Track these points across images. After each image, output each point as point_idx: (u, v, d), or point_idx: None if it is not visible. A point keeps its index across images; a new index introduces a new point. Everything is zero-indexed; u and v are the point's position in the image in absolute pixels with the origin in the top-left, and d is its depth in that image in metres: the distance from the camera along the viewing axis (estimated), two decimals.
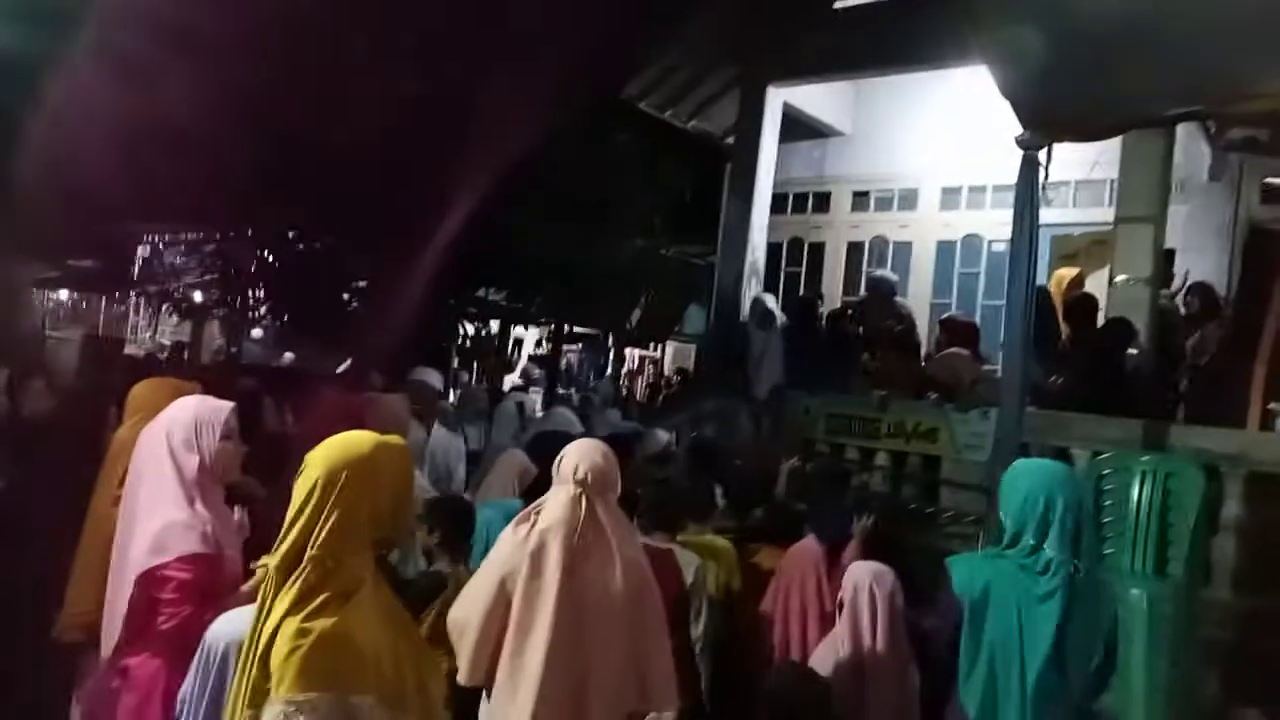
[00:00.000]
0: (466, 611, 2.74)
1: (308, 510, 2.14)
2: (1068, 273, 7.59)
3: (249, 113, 8.60)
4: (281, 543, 2.14)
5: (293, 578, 2.11)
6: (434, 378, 6.54)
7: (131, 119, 7.51)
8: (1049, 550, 2.88)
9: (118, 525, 2.84)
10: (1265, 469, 4.99)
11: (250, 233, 11.29)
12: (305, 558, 2.11)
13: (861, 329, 8.17)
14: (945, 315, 8.27)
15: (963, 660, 2.96)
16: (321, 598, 2.09)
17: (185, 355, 14.60)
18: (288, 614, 2.06)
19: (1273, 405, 5.06)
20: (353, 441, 2.24)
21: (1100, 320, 6.52)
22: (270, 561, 2.15)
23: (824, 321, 8.39)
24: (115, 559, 2.78)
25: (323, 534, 2.12)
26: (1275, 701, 4.59)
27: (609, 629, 2.68)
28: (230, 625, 2.38)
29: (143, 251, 14.76)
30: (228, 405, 2.94)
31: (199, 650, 2.39)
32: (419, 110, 8.90)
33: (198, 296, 13.40)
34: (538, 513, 2.79)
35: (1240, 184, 7.92)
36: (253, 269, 11.71)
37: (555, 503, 2.78)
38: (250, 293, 11.92)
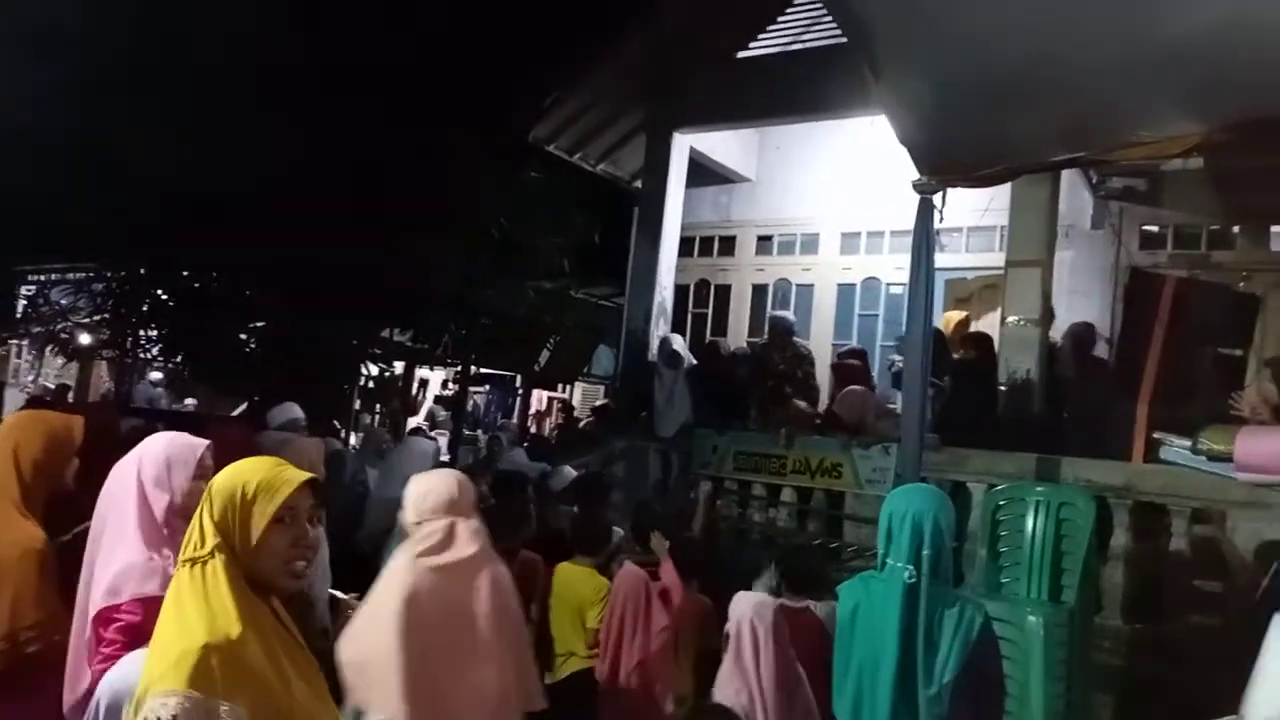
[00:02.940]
0: (373, 645, 2.71)
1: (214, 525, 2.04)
2: (956, 315, 7.90)
3: (145, 146, 8.40)
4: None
5: None
6: (296, 412, 6.22)
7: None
8: (891, 561, 2.94)
9: (83, 563, 2.70)
10: (1150, 499, 5.22)
11: (143, 271, 10.91)
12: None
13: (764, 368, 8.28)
14: (836, 358, 8.47)
15: (835, 678, 3.01)
16: None
17: (70, 398, 13.97)
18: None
19: (1157, 435, 5.30)
20: (262, 462, 2.16)
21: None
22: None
23: (728, 362, 8.48)
24: (79, 600, 2.65)
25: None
26: None
27: (490, 640, 2.85)
28: (117, 673, 2.25)
29: (26, 290, 14.13)
30: (202, 443, 2.83)
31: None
32: (319, 148, 8.80)
33: (85, 338, 12.83)
34: (421, 544, 2.88)
35: (1121, 230, 8.37)
36: (145, 308, 11.28)
37: (432, 531, 2.89)
38: (142, 333, 11.47)
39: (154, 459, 2.73)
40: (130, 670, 2.16)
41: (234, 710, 1.86)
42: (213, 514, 2.04)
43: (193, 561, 2.01)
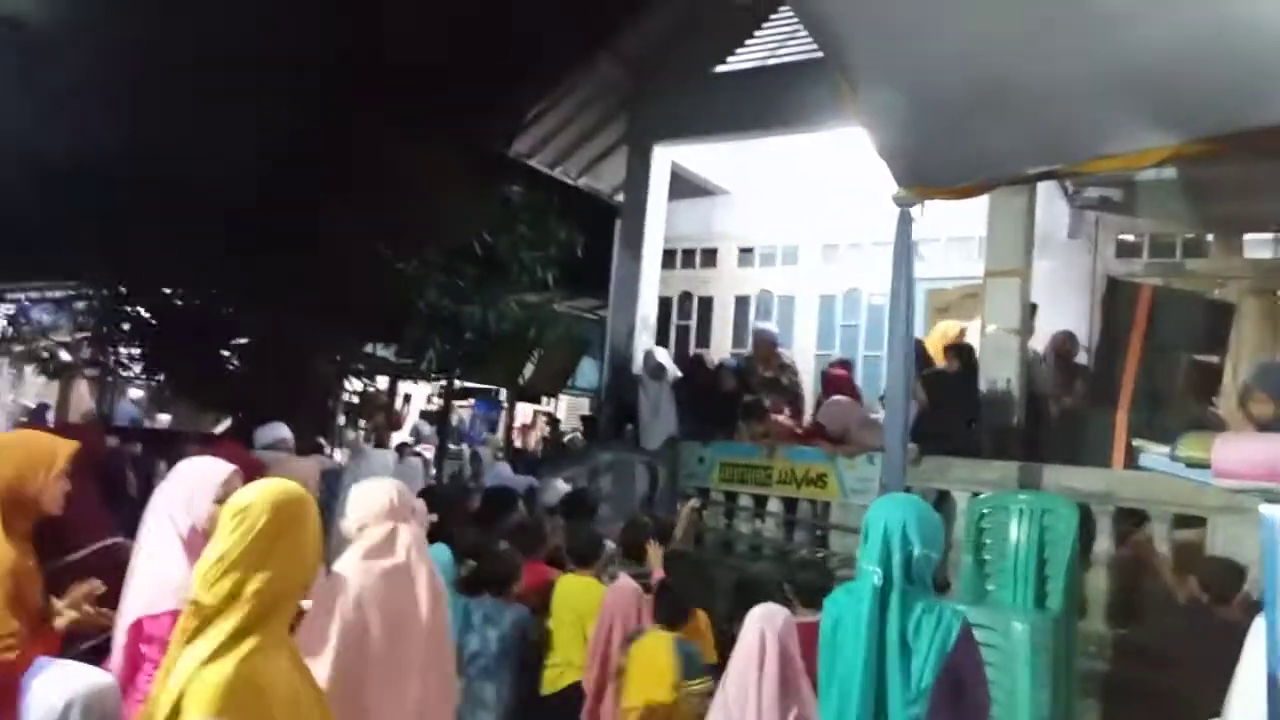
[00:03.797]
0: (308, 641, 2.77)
1: (248, 549, 2.05)
2: (952, 327, 7.96)
3: (123, 161, 8.37)
4: (215, 581, 2.04)
5: (224, 618, 2.01)
6: (284, 432, 6.19)
7: None
8: (863, 564, 2.97)
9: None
10: (1131, 505, 5.29)
11: (123, 289, 10.86)
12: (244, 597, 2.02)
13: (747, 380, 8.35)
14: (826, 367, 8.54)
15: (820, 688, 3.05)
16: (252, 642, 2.01)
17: (50, 417, 13.85)
18: (213, 657, 1.97)
19: (1136, 442, 5.36)
20: (291, 488, 2.19)
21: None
22: (201, 598, 2.03)
23: (713, 373, 8.53)
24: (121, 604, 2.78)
25: (266, 576, 2.04)
26: None
27: (424, 651, 2.92)
28: (73, 679, 2.29)
29: (5, 309, 14.03)
30: (229, 468, 2.94)
31: (26, 703, 2.30)
32: (300, 162, 8.80)
33: (65, 355, 12.75)
34: (366, 547, 2.93)
35: (1097, 239, 8.48)
36: (126, 326, 11.22)
37: (375, 535, 2.95)
38: (123, 350, 11.40)
39: (184, 482, 2.92)
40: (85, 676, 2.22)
41: None
42: None
43: None
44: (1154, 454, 5.17)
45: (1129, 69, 4.13)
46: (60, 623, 2.78)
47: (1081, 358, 7.31)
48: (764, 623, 3.42)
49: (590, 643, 4.30)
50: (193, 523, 2.83)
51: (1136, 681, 4.89)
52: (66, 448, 3.05)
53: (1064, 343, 7.23)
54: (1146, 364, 5.77)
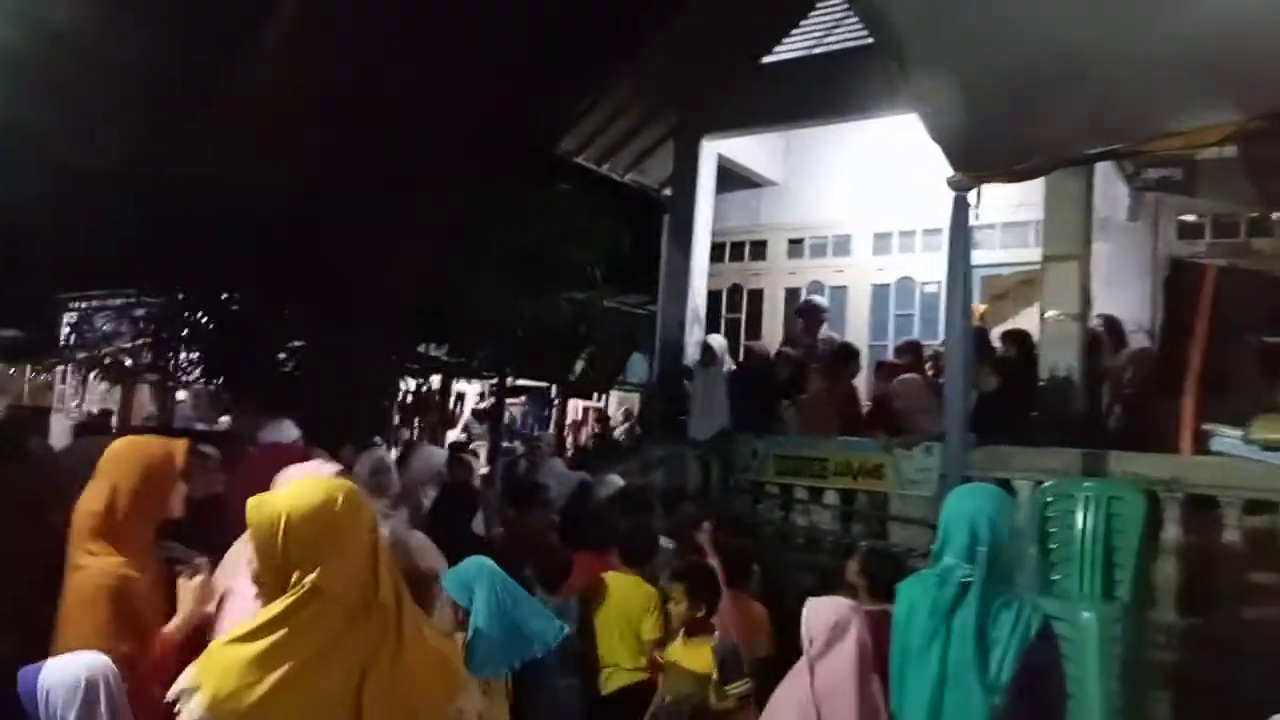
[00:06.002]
0: None
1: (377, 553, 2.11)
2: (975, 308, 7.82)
3: (176, 168, 8.52)
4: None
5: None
6: (290, 431, 5.92)
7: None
8: (948, 560, 2.94)
9: None
10: (1200, 491, 5.15)
11: (182, 295, 11.08)
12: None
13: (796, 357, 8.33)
14: (881, 358, 8.46)
15: (892, 677, 3.03)
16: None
17: (114, 422, 14.17)
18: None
19: (1207, 426, 5.24)
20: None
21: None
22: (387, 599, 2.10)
23: (769, 363, 8.48)
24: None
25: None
26: None
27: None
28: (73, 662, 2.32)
29: (69, 318, 14.38)
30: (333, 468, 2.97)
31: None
32: (352, 165, 8.90)
33: (127, 361, 13.04)
34: None
35: (1157, 221, 8.27)
36: (185, 331, 11.46)
37: None
38: (183, 355, 11.64)
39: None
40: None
41: None
42: None
43: None
44: (1227, 437, 5.05)
45: (1190, 44, 4.03)
46: (171, 629, 2.73)
47: (1143, 340, 7.15)
48: (832, 616, 3.37)
49: None
50: None
51: (1210, 674, 4.78)
52: (181, 447, 2.99)
53: (1110, 327, 7.08)
54: (1213, 346, 5.62)
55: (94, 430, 12.15)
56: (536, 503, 6.28)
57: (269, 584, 2.06)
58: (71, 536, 2.78)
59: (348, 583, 2.04)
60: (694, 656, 3.91)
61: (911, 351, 8.10)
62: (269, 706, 1.93)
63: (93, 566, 2.70)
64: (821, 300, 9.15)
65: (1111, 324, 7.09)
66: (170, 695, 1.99)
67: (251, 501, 2.09)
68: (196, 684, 1.96)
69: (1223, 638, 4.90)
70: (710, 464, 7.51)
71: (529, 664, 3.12)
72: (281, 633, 1.98)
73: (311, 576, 1.99)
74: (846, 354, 7.90)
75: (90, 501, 2.79)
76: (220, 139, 9.01)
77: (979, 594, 2.88)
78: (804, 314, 8.88)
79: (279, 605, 2.00)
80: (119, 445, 2.94)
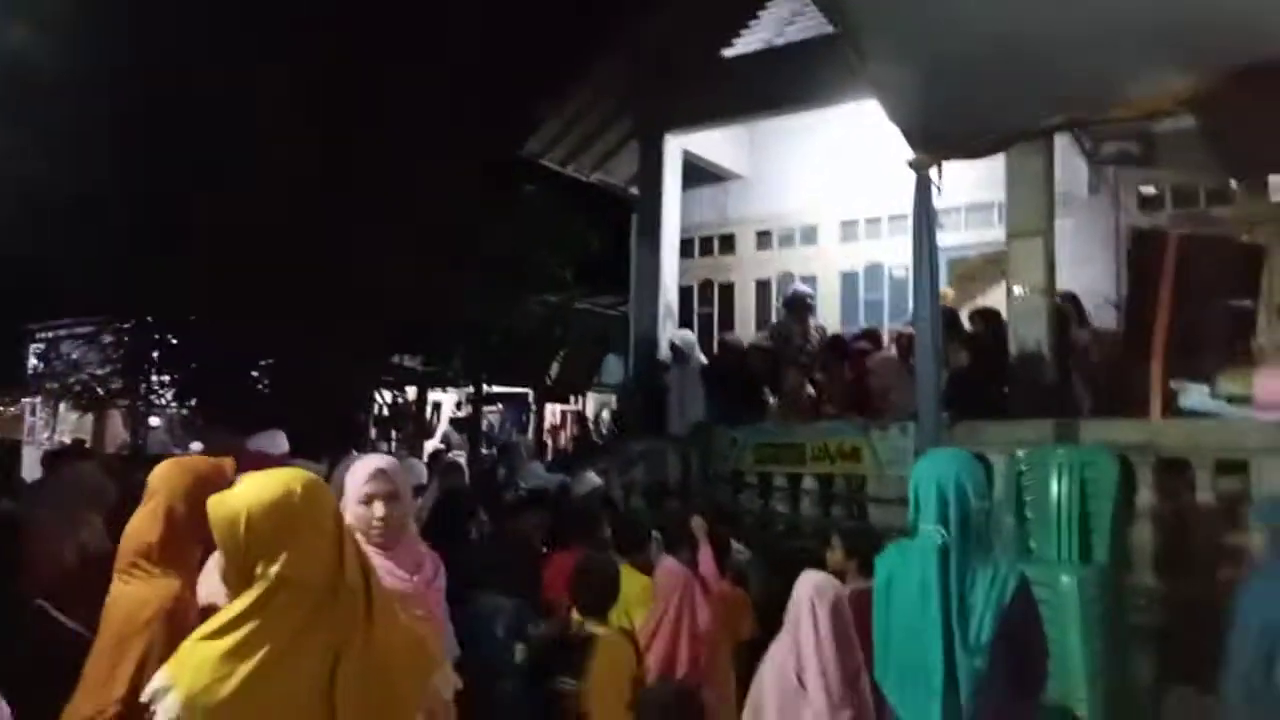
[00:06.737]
0: None
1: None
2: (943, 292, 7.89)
3: (142, 184, 8.48)
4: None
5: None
6: (281, 442, 5.96)
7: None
8: (921, 525, 2.98)
9: None
10: (1171, 454, 5.21)
11: (150, 319, 11.00)
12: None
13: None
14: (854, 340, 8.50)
15: (876, 648, 3.05)
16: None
17: (87, 450, 14.01)
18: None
19: (1175, 383, 5.29)
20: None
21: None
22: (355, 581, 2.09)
23: (742, 355, 8.50)
24: None
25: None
26: (1202, 681, 4.73)
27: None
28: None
29: (35, 348, 14.23)
30: (372, 467, 2.89)
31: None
32: (316, 176, 8.88)
33: (98, 389, 12.92)
34: None
35: (1118, 195, 8.37)
36: (155, 355, 11.37)
37: None
38: (154, 379, 11.55)
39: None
40: None
41: None
42: None
43: None
44: (1194, 394, 5.12)
45: (1137, 9, 4.09)
46: None
47: (1110, 313, 7.22)
48: (811, 588, 3.41)
49: (646, 629, 4.16)
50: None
51: (1189, 635, 4.82)
52: (229, 465, 2.96)
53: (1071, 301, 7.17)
54: (1177, 312, 5.69)
55: (68, 457, 11.98)
56: (528, 509, 6.18)
57: (235, 580, 2.05)
58: (119, 559, 2.74)
59: (313, 569, 2.02)
60: None
61: (870, 339, 8.23)
62: (243, 698, 1.92)
63: (147, 589, 2.67)
64: (808, 290, 9.16)
65: (1073, 300, 7.17)
66: (145, 696, 1.98)
67: (211, 500, 2.08)
68: (170, 683, 1.94)
69: (1199, 598, 4.95)
70: (689, 457, 7.52)
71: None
72: (251, 624, 1.96)
73: (275, 567, 1.98)
74: (843, 346, 7.97)
75: (142, 523, 2.76)
76: (189, 162, 8.98)
77: (957, 557, 2.90)
78: (791, 305, 8.89)
79: (247, 598, 1.99)
80: (167, 467, 2.91)
